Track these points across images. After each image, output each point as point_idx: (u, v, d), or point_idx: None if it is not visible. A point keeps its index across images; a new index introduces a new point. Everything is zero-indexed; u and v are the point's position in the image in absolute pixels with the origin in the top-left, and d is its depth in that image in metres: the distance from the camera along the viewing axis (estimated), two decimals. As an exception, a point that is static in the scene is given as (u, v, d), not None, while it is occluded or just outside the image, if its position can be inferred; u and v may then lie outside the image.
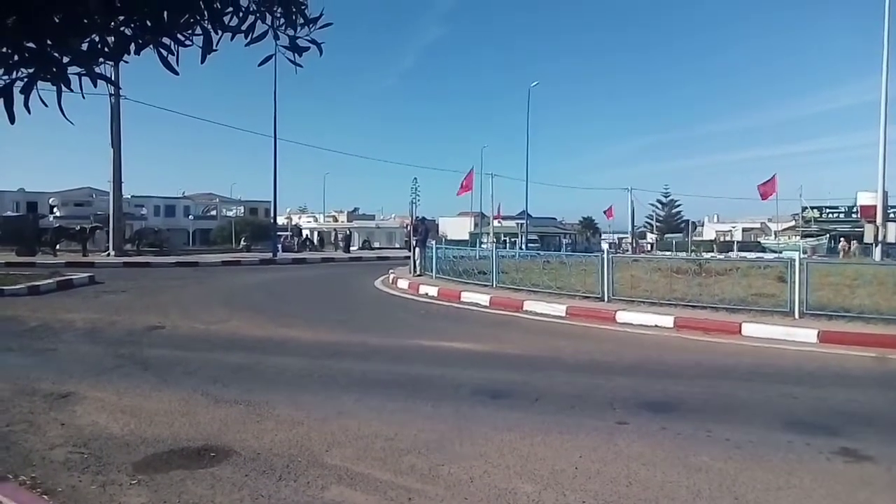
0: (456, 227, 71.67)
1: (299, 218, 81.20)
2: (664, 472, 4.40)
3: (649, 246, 66.66)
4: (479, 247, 32.33)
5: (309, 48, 2.76)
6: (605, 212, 62.21)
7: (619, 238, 70.25)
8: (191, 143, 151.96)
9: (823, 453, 4.82)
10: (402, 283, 18.44)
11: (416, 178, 66.81)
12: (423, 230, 21.68)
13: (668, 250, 54.16)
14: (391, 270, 21.76)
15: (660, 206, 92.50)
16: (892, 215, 37.63)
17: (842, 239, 47.57)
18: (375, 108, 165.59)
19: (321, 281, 21.61)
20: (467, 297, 15.05)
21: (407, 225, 43.66)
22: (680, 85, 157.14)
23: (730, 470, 4.46)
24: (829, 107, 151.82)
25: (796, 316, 10.98)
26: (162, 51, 2.54)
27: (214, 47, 2.58)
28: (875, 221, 28.20)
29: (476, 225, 63.96)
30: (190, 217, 60.08)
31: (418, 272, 19.95)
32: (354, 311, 13.82)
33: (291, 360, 8.18)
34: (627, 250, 55.18)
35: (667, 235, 76.09)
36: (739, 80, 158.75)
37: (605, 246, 41.85)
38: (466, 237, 57.88)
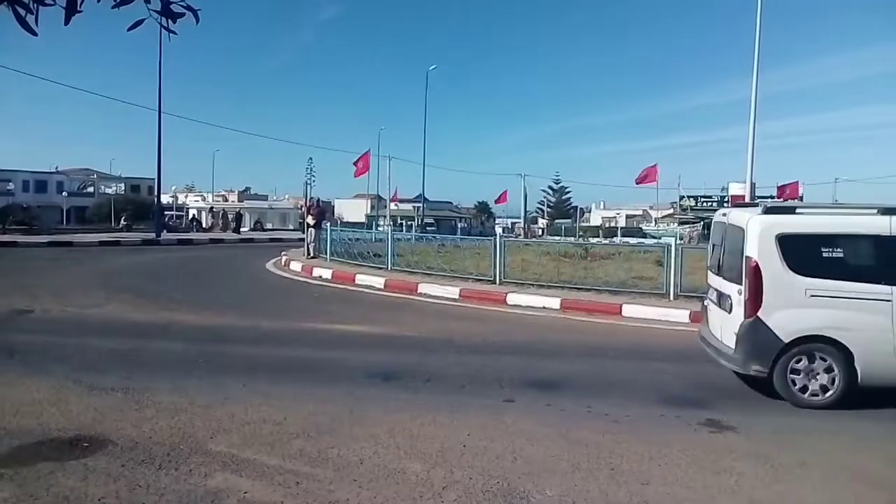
0: (352, 210, 70.78)
1: (186, 196, 77.48)
2: (547, 447, 4.59)
3: (541, 231, 68.73)
4: (376, 229, 32.14)
5: (184, 14, 2.59)
6: (498, 198, 63.48)
7: (512, 223, 71.97)
8: (65, 115, 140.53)
9: (692, 425, 5.21)
10: (296, 266, 18.05)
11: (311, 159, 64.94)
12: (318, 212, 21.32)
13: (557, 235, 56.08)
14: (284, 253, 21.21)
15: (551, 192, 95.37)
16: (759, 205, 40.73)
17: (688, 227, 51.40)
18: (269, 84, 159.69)
19: (209, 263, 20.76)
20: (362, 279, 14.95)
21: (301, 206, 42.69)
22: (570, 78, 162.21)
23: (607, 443, 4.72)
24: (705, 101, 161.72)
25: (671, 298, 11.73)
26: (19, 9, 2.32)
27: (79, 8, 2.39)
28: (743, 210, 30.45)
29: (373, 207, 63.49)
30: (64, 194, 55.75)
31: (312, 255, 19.61)
32: (244, 294, 13.40)
33: (175, 346, 7.83)
34: (520, 235, 56.64)
35: (557, 221, 78.60)
36: (626, 76, 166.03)
37: (498, 230, 42.75)
38: (363, 219, 57.40)
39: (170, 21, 2.57)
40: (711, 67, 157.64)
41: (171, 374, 6.44)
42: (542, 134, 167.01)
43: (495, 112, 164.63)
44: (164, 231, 34.70)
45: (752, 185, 31.11)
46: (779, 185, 53.74)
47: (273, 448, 4.43)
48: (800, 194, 55.31)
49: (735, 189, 44.99)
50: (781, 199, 55.61)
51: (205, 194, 79.34)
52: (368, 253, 17.74)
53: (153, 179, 37.01)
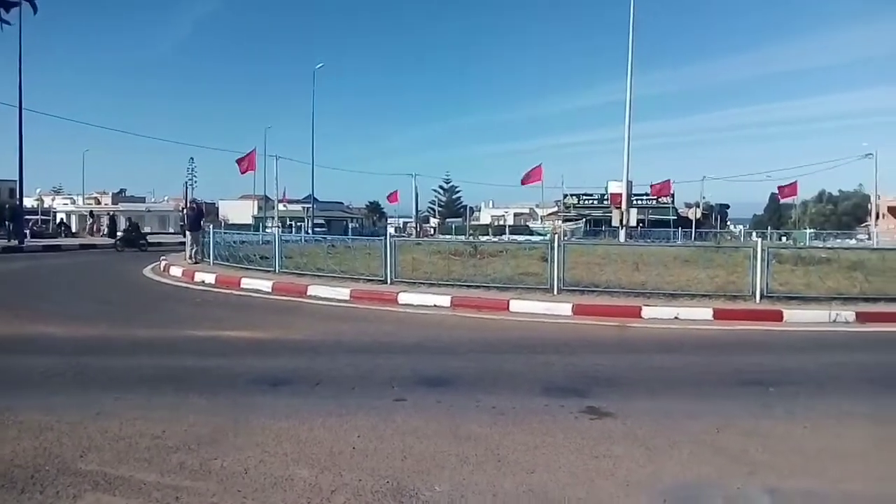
0: (238, 211, 68.49)
1: (53, 200, 71.98)
2: (437, 444, 4.64)
3: (432, 230, 69.42)
4: (263, 231, 31.22)
5: (19, 4, 2.41)
6: (388, 196, 63.46)
7: (404, 222, 72.31)
8: None
9: (573, 413, 5.43)
10: (176, 271, 17.21)
11: (192, 158, 62.32)
12: (200, 214, 20.50)
13: (449, 234, 56.89)
14: (163, 257, 20.17)
15: (442, 191, 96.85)
16: (634, 202, 43.39)
17: (553, 225, 54.31)
18: (146, 79, 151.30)
19: (80, 270, 19.39)
20: (248, 283, 14.50)
21: (182, 208, 40.71)
22: (459, 79, 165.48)
23: (495, 435, 4.84)
24: (588, 102, 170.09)
25: (555, 292, 12.19)
26: None
27: None
28: (621, 207, 32.30)
29: (260, 209, 61.67)
30: None
31: (194, 259, 18.79)
32: (118, 302, 12.61)
33: (41, 360, 7.24)
34: (412, 234, 56.93)
35: (448, 220, 79.83)
36: (511, 77, 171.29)
37: (390, 230, 42.82)
38: (250, 221, 55.71)
39: (2, 10, 2.39)
40: (594, 69, 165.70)
41: (37, 391, 5.97)
42: (432, 134, 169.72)
43: (385, 111, 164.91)
44: (28, 237, 32.12)
45: (629, 184, 33.06)
46: (652, 183, 57.14)
47: (150, 463, 4.21)
48: (671, 192, 59.23)
49: (614, 187, 47.52)
50: (655, 197, 59.30)
51: (74, 197, 74.22)
52: (255, 255, 17.23)
53: (14, 181, 34.17)
